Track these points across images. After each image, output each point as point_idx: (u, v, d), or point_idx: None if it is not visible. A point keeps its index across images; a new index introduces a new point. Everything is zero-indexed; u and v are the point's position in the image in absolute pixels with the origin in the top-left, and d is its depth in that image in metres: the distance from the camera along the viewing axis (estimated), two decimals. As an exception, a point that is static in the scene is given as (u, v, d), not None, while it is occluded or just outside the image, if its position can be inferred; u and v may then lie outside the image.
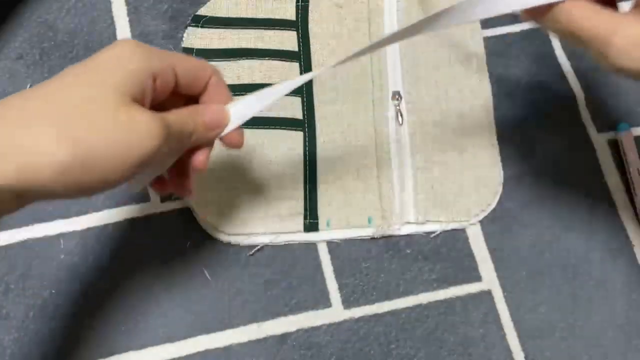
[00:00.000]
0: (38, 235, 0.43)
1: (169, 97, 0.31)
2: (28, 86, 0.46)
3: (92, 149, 0.25)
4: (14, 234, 0.43)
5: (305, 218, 0.44)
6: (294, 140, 0.45)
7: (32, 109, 0.25)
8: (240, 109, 0.34)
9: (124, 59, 0.28)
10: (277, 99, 0.34)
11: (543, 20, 0.30)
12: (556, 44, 0.49)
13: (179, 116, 0.30)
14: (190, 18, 0.47)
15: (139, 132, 0.27)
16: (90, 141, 0.25)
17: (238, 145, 0.35)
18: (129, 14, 0.48)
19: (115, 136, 0.26)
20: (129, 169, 0.27)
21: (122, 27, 0.48)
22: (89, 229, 0.43)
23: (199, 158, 0.33)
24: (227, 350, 0.41)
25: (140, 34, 0.48)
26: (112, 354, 0.41)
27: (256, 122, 0.45)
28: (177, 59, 0.31)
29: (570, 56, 0.49)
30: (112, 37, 0.48)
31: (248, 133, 0.45)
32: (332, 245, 0.44)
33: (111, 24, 0.48)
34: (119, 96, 0.27)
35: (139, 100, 0.28)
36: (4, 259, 0.43)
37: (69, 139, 0.25)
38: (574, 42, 0.30)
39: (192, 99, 0.33)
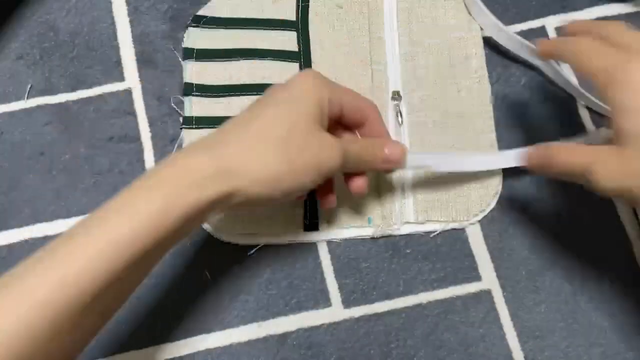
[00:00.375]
0: (39, 235, 0.43)
1: (331, 124, 0.37)
2: (28, 87, 0.46)
3: (297, 163, 0.33)
4: (14, 233, 0.43)
5: (305, 218, 0.44)
6: (294, 140, 0.45)
7: (252, 135, 0.33)
8: (416, 157, 0.41)
9: (309, 90, 0.35)
10: (454, 171, 0.42)
11: (543, 171, 0.38)
12: (556, 44, 0.49)
13: (359, 144, 0.38)
14: (190, 18, 0.48)
15: (328, 151, 0.34)
16: (297, 157, 0.33)
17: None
18: (129, 14, 0.48)
19: (312, 153, 0.34)
20: (318, 178, 0.35)
21: (123, 27, 0.48)
22: (89, 229, 0.43)
23: (359, 183, 0.39)
24: (227, 349, 0.41)
25: (140, 34, 0.48)
26: (112, 353, 0.41)
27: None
28: (345, 92, 0.38)
29: (570, 56, 0.49)
30: (112, 37, 0.48)
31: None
32: (332, 245, 0.44)
33: (111, 24, 0.48)
34: (311, 121, 0.34)
35: (320, 123, 0.35)
36: (4, 258, 0.43)
37: (285, 156, 0.33)
38: (566, 177, 0.37)
39: (349, 129, 0.40)
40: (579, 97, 0.47)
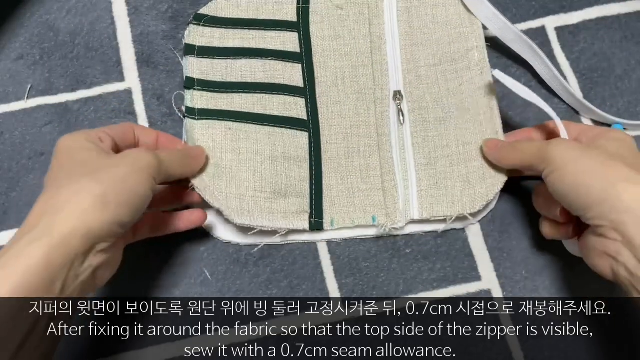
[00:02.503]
0: (39, 235, 0.43)
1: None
2: (28, 87, 0.46)
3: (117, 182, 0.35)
4: (14, 234, 0.43)
5: (310, 217, 0.44)
6: (300, 140, 0.45)
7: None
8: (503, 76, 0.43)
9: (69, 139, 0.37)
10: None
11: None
12: (556, 44, 0.49)
13: (169, 153, 0.40)
14: (190, 18, 0.48)
15: (140, 158, 0.36)
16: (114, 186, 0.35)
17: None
18: (129, 14, 0.48)
19: (130, 164, 0.36)
20: (154, 180, 0.37)
21: (123, 27, 0.48)
22: (89, 229, 0.43)
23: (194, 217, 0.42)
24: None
25: (140, 34, 0.48)
26: (112, 353, 0.41)
27: (263, 119, 0.45)
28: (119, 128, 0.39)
29: (569, 56, 0.49)
30: (112, 37, 0.48)
31: (254, 130, 0.44)
32: (332, 244, 0.44)
33: (111, 24, 0.48)
34: (92, 150, 0.37)
35: (104, 150, 0.37)
36: (4, 258, 0.43)
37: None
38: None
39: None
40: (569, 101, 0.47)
